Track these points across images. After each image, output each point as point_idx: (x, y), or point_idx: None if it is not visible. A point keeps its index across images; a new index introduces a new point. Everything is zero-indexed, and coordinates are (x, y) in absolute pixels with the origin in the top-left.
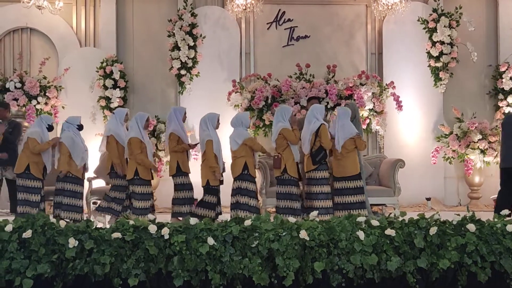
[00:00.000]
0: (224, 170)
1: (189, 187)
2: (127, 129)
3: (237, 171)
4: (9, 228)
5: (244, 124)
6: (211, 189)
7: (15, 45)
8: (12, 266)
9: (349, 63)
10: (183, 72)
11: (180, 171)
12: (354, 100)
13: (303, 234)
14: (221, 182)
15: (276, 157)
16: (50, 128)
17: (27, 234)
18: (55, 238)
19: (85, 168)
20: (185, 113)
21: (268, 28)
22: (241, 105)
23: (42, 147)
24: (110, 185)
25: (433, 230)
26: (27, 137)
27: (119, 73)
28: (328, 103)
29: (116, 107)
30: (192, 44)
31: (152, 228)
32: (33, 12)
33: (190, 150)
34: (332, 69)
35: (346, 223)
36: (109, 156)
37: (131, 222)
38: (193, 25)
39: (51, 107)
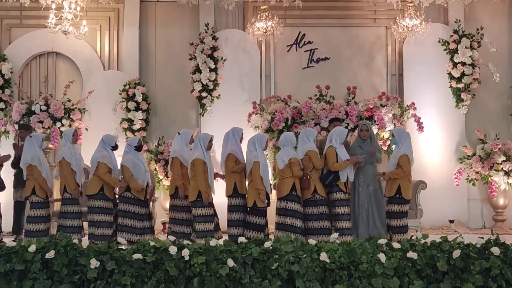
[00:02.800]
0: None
1: (243, 209)
2: None
3: (285, 191)
4: (32, 248)
5: (292, 143)
6: (258, 210)
7: (41, 69)
8: (35, 286)
9: (369, 84)
10: (204, 94)
11: (236, 192)
12: (375, 121)
13: (323, 256)
14: (268, 203)
15: (304, 178)
16: (115, 148)
17: (50, 254)
18: (77, 259)
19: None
20: (242, 134)
21: (288, 51)
22: (261, 127)
23: (109, 181)
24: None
25: (456, 253)
26: (97, 161)
27: (141, 95)
28: (348, 124)
29: (138, 129)
30: (213, 66)
31: (173, 249)
32: (59, 37)
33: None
34: (352, 91)
35: (367, 245)
36: (172, 177)
37: (152, 243)
38: (214, 48)
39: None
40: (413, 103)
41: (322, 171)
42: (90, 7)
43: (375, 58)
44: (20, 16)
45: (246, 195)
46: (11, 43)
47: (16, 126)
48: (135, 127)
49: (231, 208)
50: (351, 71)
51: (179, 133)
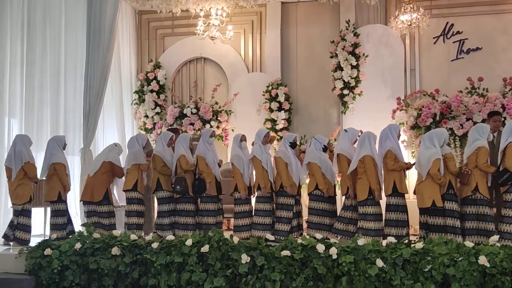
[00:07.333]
0: None
1: (403, 209)
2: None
3: (441, 190)
4: (189, 242)
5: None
6: (438, 210)
7: (191, 74)
8: (192, 278)
9: None
10: (345, 91)
11: (396, 191)
12: None
13: (482, 260)
14: None
15: (465, 172)
16: (293, 145)
17: (205, 248)
18: (229, 254)
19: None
20: (399, 131)
21: (434, 43)
22: (406, 123)
23: (284, 172)
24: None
25: None
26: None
27: (283, 95)
28: (505, 118)
29: (281, 129)
30: (354, 63)
31: (320, 248)
32: (206, 43)
33: (405, 170)
34: (509, 82)
35: None
36: (342, 177)
37: (299, 240)
38: (355, 45)
39: (222, 130)
40: None
41: (498, 168)
42: (234, 12)
43: None
44: (172, 26)
45: (406, 194)
46: (165, 51)
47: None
48: (278, 127)
49: (389, 208)
50: (506, 61)
51: (345, 131)
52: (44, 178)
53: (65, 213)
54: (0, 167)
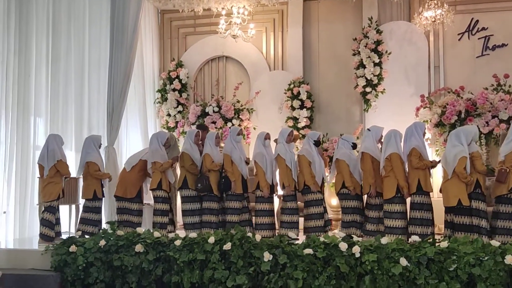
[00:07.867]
0: None
1: (428, 207)
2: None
3: (468, 189)
4: (211, 240)
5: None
6: (464, 209)
7: (213, 72)
8: (214, 275)
9: None
10: (368, 89)
11: (420, 190)
12: None
13: (509, 259)
14: None
15: (503, 170)
16: (317, 143)
17: (227, 246)
18: (251, 251)
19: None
20: (425, 129)
21: (459, 39)
22: (430, 121)
23: (307, 171)
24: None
25: None
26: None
27: (305, 93)
28: None
29: (303, 127)
30: (377, 61)
31: (343, 246)
32: (228, 41)
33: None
34: None
35: None
36: (364, 175)
37: (322, 238)
38: (378, 42)
39: (244, 128)
40: None
41: None
42: (256, 10)
43: None
44: (194, 25)
45: (431, 193)
46: (187, 50)
47: (194, 127)
48: (300, 125)
49: (414, 206)
50: None
51: (369, 130)
52: (80, 176)
53: (99, 210)
54: (28, 165)
